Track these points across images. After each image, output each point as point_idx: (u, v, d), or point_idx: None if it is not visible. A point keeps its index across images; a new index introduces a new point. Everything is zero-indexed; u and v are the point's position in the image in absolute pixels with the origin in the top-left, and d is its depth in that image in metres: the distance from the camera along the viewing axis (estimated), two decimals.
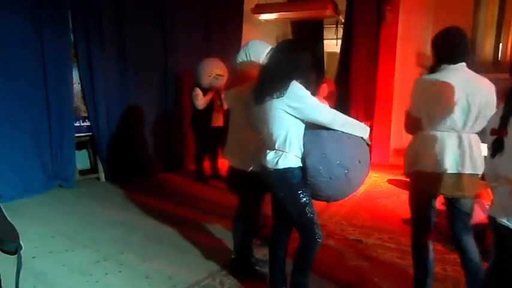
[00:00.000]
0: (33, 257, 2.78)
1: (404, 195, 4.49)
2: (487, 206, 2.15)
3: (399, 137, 6.03)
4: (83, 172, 4.92)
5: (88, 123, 4.74)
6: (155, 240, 3.16)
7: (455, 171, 2.01)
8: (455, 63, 2.01)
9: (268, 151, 2.01)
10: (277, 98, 1.89)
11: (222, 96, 4.30)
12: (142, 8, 4.96)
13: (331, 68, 7.70)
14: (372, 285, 2.51)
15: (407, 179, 2.29)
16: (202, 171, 4.97)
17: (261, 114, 1.99)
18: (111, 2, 4.65)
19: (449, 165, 1.99)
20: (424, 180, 2.09)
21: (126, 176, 4.83)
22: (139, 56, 4.97)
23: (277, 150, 1.97)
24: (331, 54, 8.23)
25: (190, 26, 5.52)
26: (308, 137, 1.95)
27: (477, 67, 6.80)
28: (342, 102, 5.91)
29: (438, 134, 2.03)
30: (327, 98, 5.08)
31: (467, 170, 2.00)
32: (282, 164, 1.95)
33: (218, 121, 4.71)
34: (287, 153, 1.94)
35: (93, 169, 5.01)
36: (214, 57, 4.78)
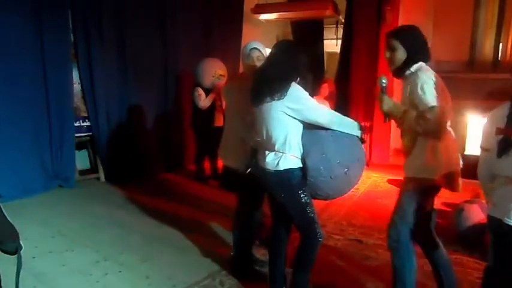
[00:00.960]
0: (33, 257, 2.78)
1: None
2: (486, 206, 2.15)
3: (399, 137, 6.03)
4: (83, 172, 4.92)
5: (88, 123, 4.74)
6: (155, 240, 3.17)
7: None
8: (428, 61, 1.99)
9: (267, 152, 2.01)
10: (278, 100, 1.89)
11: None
12: (142, 8, 4.96)
13: (331, 68, 7.69)
14: (372, 285, 2.51)
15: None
16: (202, 171, 4.96)
17: (260, 116, 2.00)
18: (111, 2, 4.65)
19: None
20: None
21: (126, 176, 4.83)
22: (139, 56, 4.96)
23: (276, 151, 1.97)
24: (331, 54, 8.22)
25: (190, 26, 5.52)
26: (307, 137, 1.96)
27: (477, 67, 6.83)
28: (342, 102, 5.91)
29: None
30: (327, 98, 5.09)
31: None
32: (283, 165, 1.95)
33: (219, 121, 4.71)
34: (287, 154, 1.95)
35: (93, 169, 5.01)
36: (214, 57, 4.79)
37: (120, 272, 2.65)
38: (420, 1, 6.29)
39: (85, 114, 4.72)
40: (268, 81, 1.95)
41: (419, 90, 1.82)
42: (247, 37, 6.09)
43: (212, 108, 4.66)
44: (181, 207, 3.98)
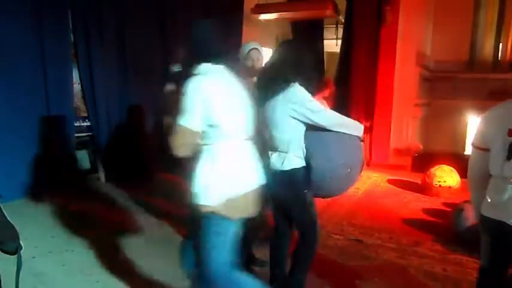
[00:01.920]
0: (33, 257, 2.78)
1: (404, 195, 4.50)
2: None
3: (399, 137, 6.03)
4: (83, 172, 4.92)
5: (88, 123, 4.74)
6: (155, 240, 3.16)
7: None
8: None
9: (271, 153, 2.02)
10: (281, 99, 1.90)
11: None
12: (142, 8, 4.96)
13: (331, 68, 7.69)
14: (372, 285, 2.51)
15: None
16: None
17: (264, 116, 2.00)
18: (111, 2, 4.65)
19: None
20: None
21: (126, 176, 4.83)
22: (139, 56, 4.96)
23: (280, 151, 1.98)
24: (331, 54, 8.22)
25: (190, 26, 5.50)
26: (310, 139, 1.98)
27: (477, 67, 6.84)
28: (342, 102, 5.91)
29: None
30: (327, 99, 5.08)
31: None
32: (288, 165, 1.97)
33: None
34: (290, 155, 1.96)
35: (93, 169, 5.01)
36: None
37: (120, 272, 2.65)
38: (420, 1, 6.28)
39: (85, 114, 4.72)
40: (272, 81, 1.95)
41: None
42: (247, 37, 6.09)
43: None
44: (181, 207, 3.97)
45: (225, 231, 1.70)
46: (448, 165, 4.50)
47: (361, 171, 2.15)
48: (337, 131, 1.99)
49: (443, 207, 4.04)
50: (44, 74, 4.16)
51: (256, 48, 2.50)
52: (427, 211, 3.96)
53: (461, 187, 4.35)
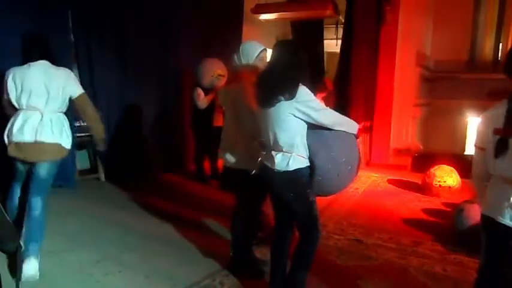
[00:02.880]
0: None
1: (404, 195, 4.51)
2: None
3: (399, 137, 6.03)
4: (83, 172, 4.91)
5: None
6: (155, 240, 3.16)
7: None
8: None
9: (274, 153, 2.03)
10: (287, 100, 1.90)
11: None
12: (142, 8, 4.95)
13: (331, 68, 7.69)
14: (372, 285, 2.51)
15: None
16: (202, 171, 4.96)
17: (267, 118, 2.01)
18: (111, 2, 4.64)
19: None
20: None
21: (126, 176, 4.82)
22: (139, 56, 4.96)
23: (284, 152, 1.99)
24: (331, 54, 8.23)
25: (190, 26, 5.52)
26: (312, 137, 2.00)
27: (477, 67, 6.84)
28: (342, 102, 5.91)
29: None
30: (326, 98, 5.09)
31: None
32: (293, 165, 1.98)
33: (219, 121, 4.71)
34: (294, 155, 1.97)
35: (93, 169, 5.00)
36: (214, 57, 4.78)
37: (120, 272, 2.65)
38: (420, 1, 6.29)
39: None
40: (278, 82, 1.95)
41: None
42: (247, 37, 6.10)
43: (212, 108, 4.66)
44: (182, 207, 3.98)
45: None
46: (448, 165, 4.51)
47: (359, 169, 2.19)
48: (337, 130, 2.03)
49: (443, 207, 4.04)
50: None
51: (266, 49, 2.48)
52: (427, 211, 3.96)
53: (461, 187, 4.36)
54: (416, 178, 4.87)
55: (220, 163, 2.87)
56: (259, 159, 2.17)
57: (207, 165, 4.99)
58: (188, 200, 4.23)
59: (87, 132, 4.74)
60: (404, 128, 6.19)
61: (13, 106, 2.55)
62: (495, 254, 1.60)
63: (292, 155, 1.97)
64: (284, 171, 1.99)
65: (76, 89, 2.67)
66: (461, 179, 4.37)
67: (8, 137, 2.54)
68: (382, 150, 5.88)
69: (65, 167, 4.44)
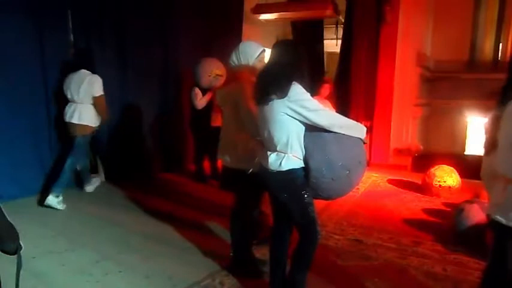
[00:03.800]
0: (33, 257, 2.78)
1: (404, 195, 4.51)
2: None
3: (399, 137, 6.03)
4: None
5: None
6: (155, 240, 3.16)
7: None
8: None
9: (269, 153, 2.02)
10: (279, 99, 1.89)
11: None
12: (142, 8, 4.95)
13: (331, 68, 7.70)
14: (372, 285, 2.51)
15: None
16: (202, 171, 4.96)
17: (264, 117, 2.00)
18: (111, 2, 4.64)
19: None
20: None
21: (126, 176, 4.83)
22: (139, 56, 4.96)
23: (278, 152, 1.98)
24: (331, 54, 8.23)
25: (190, 26, 5.52)
26: (309, 139, 1.96)
27: (477, 67, 6.85)
28: (342, 102, 5.92)
29: None
30: (328, 98, 5.09)
31: None
32: (286, 166, 1.95)
33: (217, 121, 4.71)
34: (289, 155, 1.95)
35: (93, 169, 5.00)
36: (213, 57, 4.78)
37: (120, 272, 2.65)
38: (420, 1, 6.29)
39: None
40: (273, 80, 1.94)
41: None
42: (247, 37, 6.10)
43: (210, 108, 4.66)
44: (181, 207, 3.98)
45: None
46: (448, 165, 4.51)
47: (362, 174, 2.10)
48: (336, 132, 1.96)
49: (443, 207, 4.04)
50: (43, 74, 4.16)
51: (265, 50, 2.48)
52: (427, 211, 3.96)
53: (461, 187, 4.36)
54: (416, 178, 4.87)
55: (219, 163, 2.86)
56: (257, 158, 2.17)
57: (206, 165, 4.99)
58: (188, 200, 4.23)
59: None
60: (404, 128, 6.19)
61: None
62: (496, 252, 1.61)
63: (286, 155, 1.95)
64: (277, 171, 1.97)
65: None
66: (461, 179, 4.37)
67: None
68: (382, 150, 5.88)
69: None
